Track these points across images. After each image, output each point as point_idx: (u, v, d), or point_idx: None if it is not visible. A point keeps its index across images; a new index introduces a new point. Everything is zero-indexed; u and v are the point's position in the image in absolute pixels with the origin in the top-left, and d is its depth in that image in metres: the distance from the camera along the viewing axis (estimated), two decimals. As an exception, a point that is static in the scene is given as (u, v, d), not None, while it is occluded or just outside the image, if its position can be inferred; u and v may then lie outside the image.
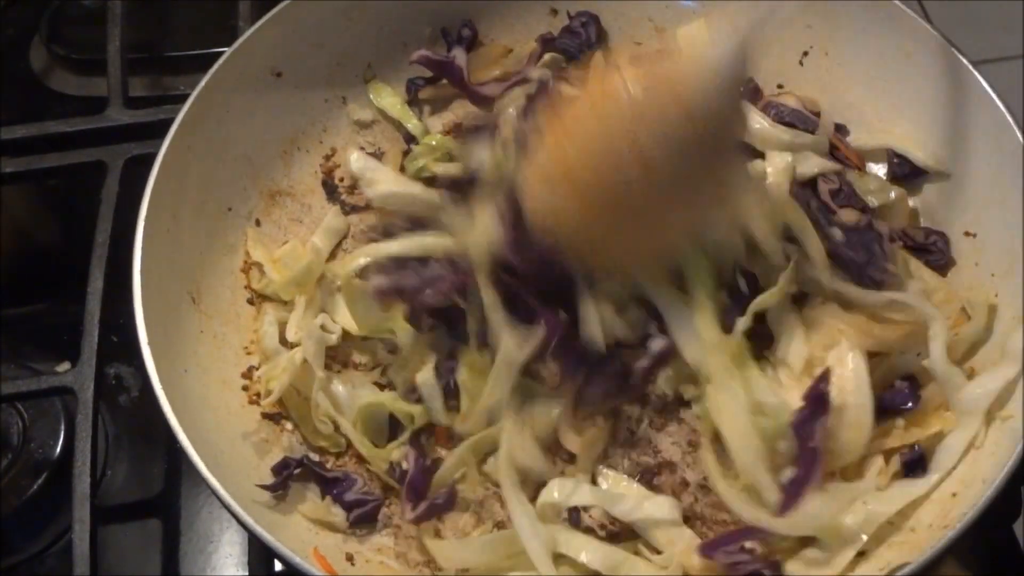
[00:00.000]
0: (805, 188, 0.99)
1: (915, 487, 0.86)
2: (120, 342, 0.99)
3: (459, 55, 1.12)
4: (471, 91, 1.11)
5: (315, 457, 0.93)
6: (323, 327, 0.96)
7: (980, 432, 0.87)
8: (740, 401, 0.84)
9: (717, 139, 0.80)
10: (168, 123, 0.98)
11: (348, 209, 1.09)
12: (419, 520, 0.88)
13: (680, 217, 0.84)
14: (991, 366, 0.90)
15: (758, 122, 1.02)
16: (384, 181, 1.05)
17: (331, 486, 0.90)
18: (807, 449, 0.82)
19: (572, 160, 0.81)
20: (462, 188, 0.92)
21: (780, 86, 1.10)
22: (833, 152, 1.05)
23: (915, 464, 0.88)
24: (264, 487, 0.88)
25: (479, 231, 0.88)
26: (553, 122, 0.83)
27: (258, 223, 1.06)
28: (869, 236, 0.94)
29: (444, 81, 1.13)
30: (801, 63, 1.10)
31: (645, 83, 0.78)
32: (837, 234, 0.94)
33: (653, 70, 0.79)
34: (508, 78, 1.11)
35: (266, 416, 0.95)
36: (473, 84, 1.12)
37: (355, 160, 1.06)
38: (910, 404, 0.89)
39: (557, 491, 0.86)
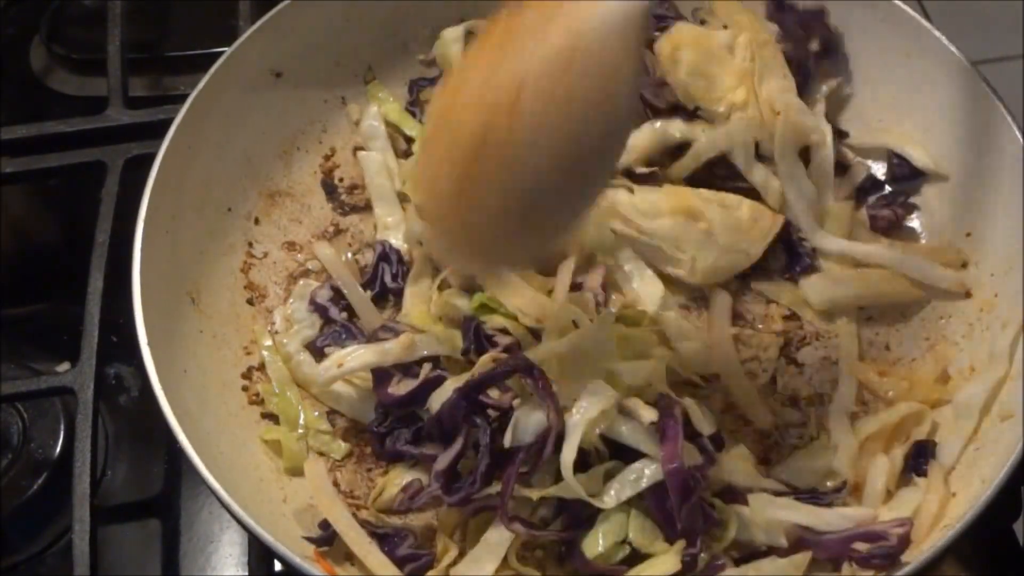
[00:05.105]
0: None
1: (918, 493, 0.86)
2: (120, 342, 0.99)
3: None
4: None
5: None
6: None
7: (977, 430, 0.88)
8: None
9: (602, 93, 0.68)
10: (168, 123, 0.98)
11: (347, 209, 1.09)
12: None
13: (555, 186, 0.71)
14: (984, 368, 0.91)
15: None
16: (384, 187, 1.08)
17: (383, 542, 0.86)
18: None
19: (449, 111, 0.72)
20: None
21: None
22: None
23: (920, 454, 0.89)
24: (311, 540, 0.86)
25: None
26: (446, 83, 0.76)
27: (257, 222, 1.06)
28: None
29: (446, 82, 1.13)
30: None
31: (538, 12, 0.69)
32: None
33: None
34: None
35: (266, 416, 0.95)
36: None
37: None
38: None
39: None
